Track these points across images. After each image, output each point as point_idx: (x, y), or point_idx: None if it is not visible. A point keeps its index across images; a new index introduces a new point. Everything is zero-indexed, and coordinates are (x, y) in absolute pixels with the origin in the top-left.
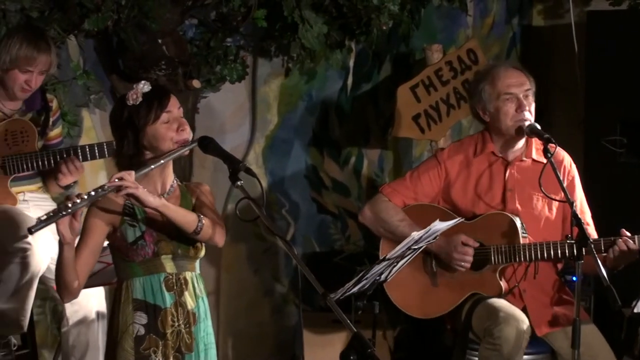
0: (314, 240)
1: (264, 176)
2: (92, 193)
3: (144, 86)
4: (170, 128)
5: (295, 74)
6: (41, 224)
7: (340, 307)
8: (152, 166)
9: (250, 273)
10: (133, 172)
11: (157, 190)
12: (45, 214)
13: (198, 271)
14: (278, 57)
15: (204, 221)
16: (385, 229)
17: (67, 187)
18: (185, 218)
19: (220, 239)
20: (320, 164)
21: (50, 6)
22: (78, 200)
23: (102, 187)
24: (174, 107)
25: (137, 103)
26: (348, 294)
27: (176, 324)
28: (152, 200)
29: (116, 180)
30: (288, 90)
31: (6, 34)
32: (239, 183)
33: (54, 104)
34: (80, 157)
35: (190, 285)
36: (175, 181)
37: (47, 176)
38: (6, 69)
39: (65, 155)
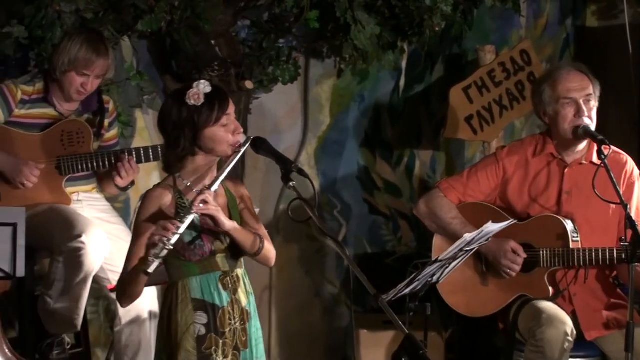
0: (366, 242)
1: (316, 177)
2: (181, 221)
3: (205, 87)
4: (228, 131)
5: (347, 75)
6: (153, 263)
7: (392, 308)
8: (221, 177)
9: (302, 274)
10: (212, 192)
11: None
12: (152, 255)
13: (244, 268)
14: (330, 58)
15: (264, 244)
16: (438, 224)
17: (125, 188)
18: (250, 241)
19: (273, 260)
20: (373, 165)
21: (105, 7)
22: (174, 232)
23: (187, 210)
24: (232, 110)
25: (199, 104)
26: (400, 295)
27: (233, 322)
28: (228, 223)
29: (201, 204)
30: (340, 92)
31: (66, 35)
32: (291, 184)
33: (110, 106)
34: (135, 158)
35: (241, 282)
36: None
37: (103, 177)
38: (64, 70)
39: (117, 157)
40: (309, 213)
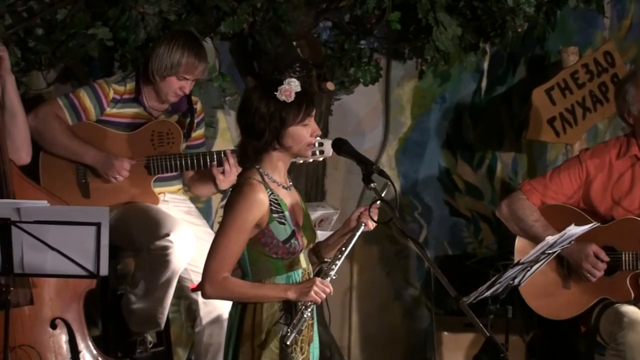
0: (447, 244)
1: (396, 178)
2: (341, 254)
3: (297, 85)
4: (309, 131)
5: (428, 76)
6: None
7: (473, 310)
8: (345, 253)
9: (382, 275)
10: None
11: (286, 183)
12: (292, 327)
13: None
14: (412, 59)
15: None
16: (520, 227)
17: (223, 191)
18: None
19: None
20: (454, 166)
21: (188, 9)
22: (333, 271)
23: (326, 273)
24: (314, 112)
25: (288, 101)
26: (481, 297)
27: (311, 321)
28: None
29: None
30: (421, 93)
31: (165, 40)
32: (372, 185)
33: (198, 106)
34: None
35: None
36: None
37: (197, 178)
38: (165, 75)
39: (209, 159)
40: (389, 214)
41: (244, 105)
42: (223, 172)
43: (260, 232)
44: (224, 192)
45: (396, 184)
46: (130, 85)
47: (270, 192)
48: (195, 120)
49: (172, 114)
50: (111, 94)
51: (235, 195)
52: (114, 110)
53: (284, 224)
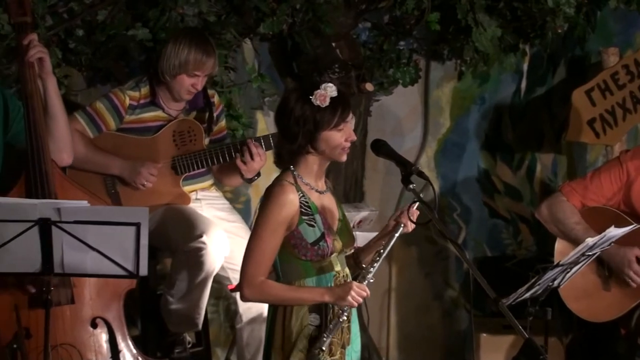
0: (485, 245)
1: (435, 180)
2: (379, 256)
3: (332, 90)
4: (344, 137)
5: (468, 77)
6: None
7: (512, 312)
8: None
9: (421, 276)
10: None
11: (320, 186)
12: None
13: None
14: (451, 60)
15: None
16: (560, 229)
17: (251, 180)
18: None
19: None
20: (493, 167)
21: (227, 10)
22: (371, 274)
23: (388, 241)
24: (350, 117)
25: (323, 106)
26: (520, 299)
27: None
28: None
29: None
30: (461, 94)
31: (171, 39)
32: (411, 186)
33: (216, 99)
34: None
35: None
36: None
37: (224, 170)
38: (175, 74)
39: (233, 150)
40: (428, 216)
41: (281, 106)
42: (245, 162)
43: (290, 233)
44: (251, 180)
45: (435, 185)
46: (145, 89)
47: (301, 195)
48: (215, 114)
49: (191, 111)
50: (127, 101)
51: (266, 198)
52: (133, 117)
53: (313, 226)
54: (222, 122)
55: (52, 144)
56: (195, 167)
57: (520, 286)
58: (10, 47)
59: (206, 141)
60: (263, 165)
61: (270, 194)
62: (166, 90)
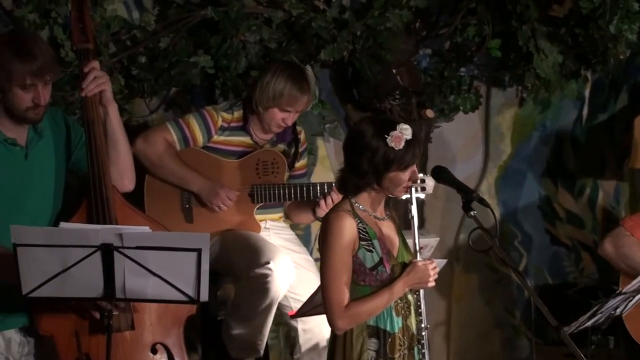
0: (547, 272)
1: (496, 206)
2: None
3: (408, 133)
4: (408, 176)
5: (529, 103)
6: None
7: (574, 340)
8: None
9: (482, 304)
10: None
11: (379, 213)
12: None
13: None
14: (512, 86)
15: None
16: (628, 264)
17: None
18: None
19: None
20: (554, 194)
21: (288, 37)
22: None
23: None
24: (418, 159)
25: (397, 149)
26: (582, 327)
27: (402, 347)
28: None
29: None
30: (522, 120)
31: (270, 70)
32: (472, 213)
33: (302, 136)
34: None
35: (412, 307)
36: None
37: (296, 207)
38: (267, 106)
39: (313, 191)
40: (489, 243)
41: (354, 138)
42: (326, 204)
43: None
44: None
45: (496, 212)
46: (238, 113)
47: (358, 221)
48: (299, 151)
49: (277, 143)
50: (219, 122)
51: (324, 227)
52: (222, 138)
53: (371, 251)
54: (304, 160)
55: (114, 170)
56: (273, 199)
57: (582, 314)
58: (74, 74)
59: (286, 176)
60: None
61: (328, 223)
62: (257, 119)
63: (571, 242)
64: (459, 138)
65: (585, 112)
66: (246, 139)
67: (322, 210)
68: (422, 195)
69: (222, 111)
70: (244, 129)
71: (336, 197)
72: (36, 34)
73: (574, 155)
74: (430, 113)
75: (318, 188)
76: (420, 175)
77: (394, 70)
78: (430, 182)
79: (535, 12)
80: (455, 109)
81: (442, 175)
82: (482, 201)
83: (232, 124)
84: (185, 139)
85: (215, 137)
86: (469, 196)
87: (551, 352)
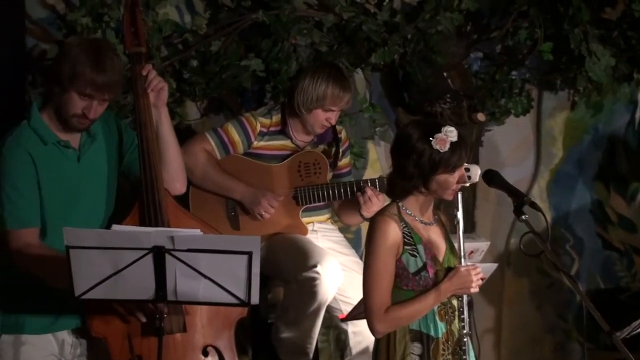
0: (599, 277)
1: (548, 210)
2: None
3: (453, 135)
4: (456, 179)
5: (581, 107)
6: None
7: (627, 346)
8: None
9: (533, 308)
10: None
11: (426, 218)
12: None
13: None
14: (564, 90)
15: None
16: None
17: (369, 218)
18: None
19: None
20: (606, 198)
21: (339, 41)
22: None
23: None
24: (465, 161)
25: (442, 150)
26: (635, 332)
27: (446, 352)
28: None
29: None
30: (573, 124)
31: (309, 72)
32: (523, 217)
33: (343, 135)
34: (378, 188)
35: (457, 312)
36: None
37: (344, 207)
38: (311, 108)
39: (356, 187)
40: (541, 247)
41: (400, 142)
42: (364, 202)
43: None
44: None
45: (547, 216)
46: (276, 117)
47: (404, 225)
48: (341, 149)
49: (318, 144)
50: (258, 127)
51: (370, 229)
52: (262, 143)
53: (415, 256)
54: (347, 158)
55: (165, 173)
56: (317, 200)
57: (634, 319)
58: (125, 77)
59: (329, 175)
60: (382, 205)
61: (373, 226)
62: (298, 122)
63: (623, 247)
64: (510, 142)
65: (637, 115)
66: (287, 143)
67: (365, 208)
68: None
69: (260, 116)
70: (283, 132)
71: (371, 192)
72: (116, 51)
73: (626, 159)
74: (481, 116)
75: (361, 185)
76: (465, 164)
77: (445, 74)
78: (475, 171)
79: (588, 15)
80: (506, 113)
81: (493, 178)
82: (533, 205)
83: (272, 129)
84: (224, 146)
85: (256, 143)
86: (520, 200)
87: (603, 357)
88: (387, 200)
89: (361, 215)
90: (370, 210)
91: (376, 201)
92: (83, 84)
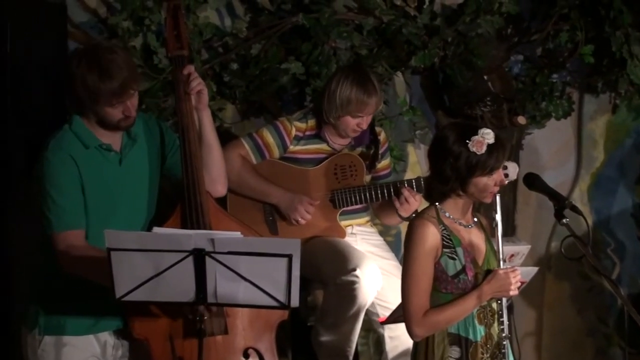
0: None
1: (589, 214)
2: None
3: (490, 137)
4: (494, 181)
5: (622, 110)
6: None
7: None
8: None
9: (574, 312)
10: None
11: (466, 221)
12: None
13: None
14: (605, 93)
15: None
16: None
17: (408, 218)
18: None
19: None
20: None
21: (379, 44)
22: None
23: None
24: (503, 163)
25: (479, 153)
26: None
27: (485, 356)
28: None
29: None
30: (615, 127)
31: (332, 78)
32: (564, 221)
33: (382, 136)
34: (415, 188)
35: (496, 316)
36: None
37: (382, 208)
38: (338, 116)
39: (392, 189)
40: (582, 250)
41: (437, 145)
42: (401, 204)
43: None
44: (408, 219)
45: (588, 220)
46: (312, 121)
47: (443, 228)
48: (380, 151)
49: (356, 147)
50: (293, 132)
51: (408, 233)
52: (297, 147)
53: (454, 259)
54: (387, 160)
55: (207, 176)
56: (354, 202)
57: None
58: (167, 80)
59: (368, 178)
60: (419, 205)
61: (411, 230)
62: (331, 126)
63: None
64: (551, 145)
65: None
66: (323, 146)
67: (402, 209)
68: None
69: (295, 121)
70: (319, 136)
71: (407, 193)
72: (113, 48)
73: None
74: (521, 120)
75: (398, 186)
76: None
77: (485, 77)
78: (513, 168)
79: (629, 18)
80: (547, 116)
81: (534, 182)
82: (574, 209)
83: (307, 133)
84: (260, 151)
85: (292, 147)
86: (561, 203)
87: None
88: (424, 202)
89: (399, 215)
90: (408, 211)
91: (413, 201)
92: (105, 98)
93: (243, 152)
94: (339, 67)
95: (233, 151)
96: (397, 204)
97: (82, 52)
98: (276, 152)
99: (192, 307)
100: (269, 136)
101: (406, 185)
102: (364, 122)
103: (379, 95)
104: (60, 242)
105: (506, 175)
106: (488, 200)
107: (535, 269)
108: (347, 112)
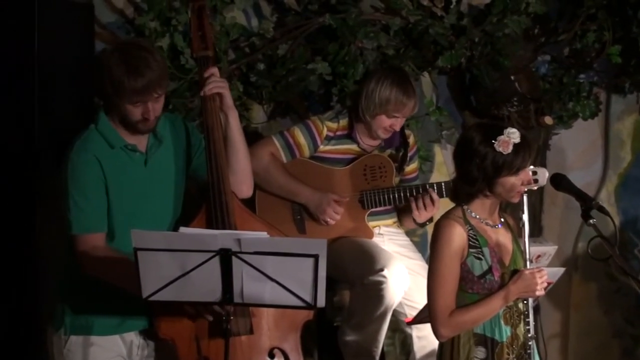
0: None
1: (616, 215)
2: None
3: (516, 137)
4: (521, 181)
5: None
6: None
7: None
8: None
9: (600, 313)
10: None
11: (492, 221)
12: None
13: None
14: (632, 93)
15: None
16: None
17: (422, 224)
18: None
19: None
20: None
21: (406, 44)
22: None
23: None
24: (529, 163)
25: (505, 152)
26: None
27: (511, 356)
28: None
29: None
30: None
31: (374, 77)
32: (591, 221)
33: (411, 140)
34: (436, 192)
35: (522, 316)
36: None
37: (403, 211)
38: (374, 114)
39: (418, 191)
40: (609, 251)
41: (462, 146)
42: (418, 208)
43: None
44: (422, 225)
45: (616, 220)
46: (343, 122)
47: (469, 228)
48: (409, 154)
49: (386, 148)
50: (325, 131)
51: (434, 233)
52: (328, 147)
53: (480, 259)
54: (415, 164)
55: (232, 176)
56: (383, 203)
57: None
58: (194, 81)
59: (396, 180)
60: (435, 212)
61: (438, 230)
62: (363, 126)
63: None
64: (578, 145)
65: None
66: (353, 147)
67: (417, 215)
68: (534, 188)
69: (327, 120)
70: (350, 136)
71: (428, 200)
72: (149, 48)
73: None
74: (548, 120)
75: (427, 188)
76: (532, 167)
77: (512, 77)
78: (543, 174)
79: None
80: (574, 116)
81: (561, 182)
82: (601, 209)
83: (338, 133)
84: (290, 150)
85: (322, 147)
86: (588, 204)
87: None
88: (443, 206)
89: (414, 220)
90: (424, 217)
91: (431, 208)
92: (128, 94)
93: (273, 150)
94: (377, 68)
95: (263, 148)
96: (414, 208)
97: (117, 44)
98: (306, 151)
99: (213, 309)
100: (300, 136)
101: (435, 188)
102: (398, 123)
103: (416, 99)
104: (80, 244)
105: (536, 181)
106: (515, 200)
107: (561, 270)
108: (384, 110)
